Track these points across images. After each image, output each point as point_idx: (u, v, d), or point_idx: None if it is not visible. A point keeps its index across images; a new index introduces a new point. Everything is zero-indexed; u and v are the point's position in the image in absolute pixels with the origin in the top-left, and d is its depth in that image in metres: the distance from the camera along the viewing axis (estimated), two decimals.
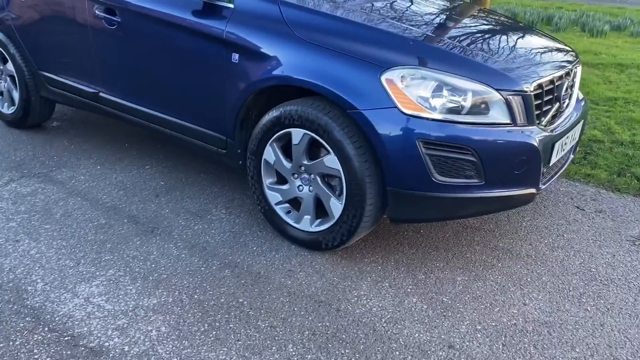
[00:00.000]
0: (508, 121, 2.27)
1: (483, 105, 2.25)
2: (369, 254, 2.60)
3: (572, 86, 2.77)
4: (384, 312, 2.21)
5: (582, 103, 2.94)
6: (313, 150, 2.48)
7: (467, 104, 2.23)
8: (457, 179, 2.26)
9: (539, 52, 2.66)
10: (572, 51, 2.95)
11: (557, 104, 2.55)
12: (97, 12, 3.09)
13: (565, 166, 2.84)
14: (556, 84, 2.51)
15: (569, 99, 2.78)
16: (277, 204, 2.66)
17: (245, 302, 2.24)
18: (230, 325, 2.11)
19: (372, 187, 2.32)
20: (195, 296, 2.27)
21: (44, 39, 3.53)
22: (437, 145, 2.20)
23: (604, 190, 3.41)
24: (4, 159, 3.51)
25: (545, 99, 2.45)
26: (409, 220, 2.58)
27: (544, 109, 2.45)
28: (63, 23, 3.36)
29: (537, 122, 2.40)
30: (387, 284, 2.39)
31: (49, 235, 2.67)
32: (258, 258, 2.54)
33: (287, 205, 2.66)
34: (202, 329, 2.08)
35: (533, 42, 2.82)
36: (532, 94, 2.31)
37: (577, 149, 3.05)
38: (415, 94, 2.22)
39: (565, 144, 2.63)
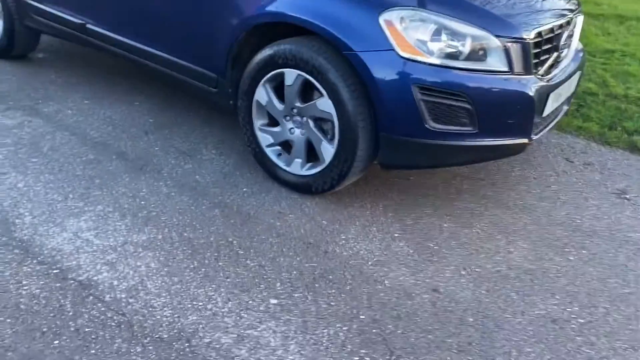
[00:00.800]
0: (505, 69, 2.24)
1: (481, 52, 2.21)
2: (358, 199, 2.61)
3: (571, 36, 2.73)
4: (371, 255, 2.25)
5: (581, 54, 2.89)
6: (306, 92, 2.44)
7: (466, 49, 2.19)
8: (451, 126, 2.24)
9: (543, 1, 2.59)
10: (576, 2, 2.88)
11: (556, 53, 2.51)
12: None
13: (559, 117, 2.83)
14: (556, 32, 2.46)
15: (568, 49, 2.73)
16: (268, 146, 2.63)
17: (234, 242, 2.25)
18: (220, 264, 2.13)
19: (364, 133, 2.30)
20: (185, 234, 2.28)
21: None
22: (433, 91, 2.17)
23: (594, 144, 3.42)
24: None
25: (544, 47, 2.41)
26: (400, 167, 2.58)
27: (542, 58, 2.41)
28: None
29: (535, 71, 2.36)
30: (375, 229, 2.41)
31: (37, 169, 2.64)
32: (248, 199, 2.54)
33: (278, 147, 2.63)
34: (192, 266, 2.10)
35: None
36: (531, 42, 2.27)
37: (572, 99, 3.03)
38: (414, 36, 2.16)
39: (560, 94, 2.61)
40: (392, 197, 2.66)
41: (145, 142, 2.97)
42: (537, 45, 2.34)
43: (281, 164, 2.61)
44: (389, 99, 2.20)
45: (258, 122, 2.63)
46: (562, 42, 2.51)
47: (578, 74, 2.81)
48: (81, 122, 3.12)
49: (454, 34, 2.17)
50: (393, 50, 2.15)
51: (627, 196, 2.85)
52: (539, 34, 2.34)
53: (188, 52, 2.78)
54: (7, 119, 3.08)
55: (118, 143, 2.93)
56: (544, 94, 2.39)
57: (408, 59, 2.15)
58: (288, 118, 2.52)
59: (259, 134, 2.64)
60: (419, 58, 2.16)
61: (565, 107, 2.92)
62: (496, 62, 2.22)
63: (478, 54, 2.20)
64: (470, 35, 2.17)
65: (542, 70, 2.42)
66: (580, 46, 2.99)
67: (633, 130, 3.54)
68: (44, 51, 4.12)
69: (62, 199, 2.44)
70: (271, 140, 2.62)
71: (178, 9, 2.71)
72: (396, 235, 2.39)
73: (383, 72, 2.17)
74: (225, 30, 2.54)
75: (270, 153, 2.64)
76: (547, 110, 2.50)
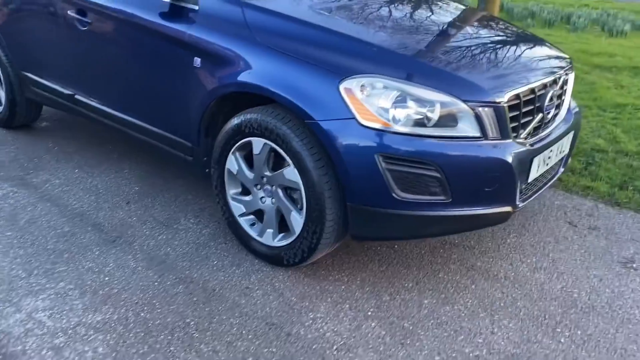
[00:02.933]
0: (478, 134, 2.10)
1: (450, 118, 2.08)
2: (335, 271, 2.46)
3: (561, 95, 2.58)
4: (338, 337, 2.07)
5: (574, 113, 2.73)
6: (278, 160, 2.35)
7: (433, 116, 2.07)
8: (421, 195, 2.09)
9: (523, 59, 2.47)
10: (565, 57, 2.74)
11: (540, 115, 2.36)
12: (69, 12, 3.01)
13: (553, 181, 2.64)
14: (538, 93, 2.32)
15: (558, 109, 2.58)
16: (240, 215, 2.54)
17: (192, 323, 2.12)
18: (171, 348, 1.99)
19: (332, 203, 2.17)
20: (142, 314, 2.16)
21: (25, 39, 3.48)
22: (398, 160, 2.04)
23: (602, 205, 3.19)
24: None
25: (525, 109, 2.27)
26: (371, 238, 2.43)
27: (523, 120, 2.27)
28: (41, 23, 3.30)
29: (514, 135, 2.21)
30: (347, 306, 2.24)
31: (8, 243, 2.60)
32: (217, 273, 2.42)
33: (251, 217, 2.53)
34: (141, 351, 1.97)
35: (520, 48, 2.62)
36: (505, 105, 2.13)
37: (569, 161, 2.84)
38: (376, 104, 2.06)
39: (549, 157, 2.43)
40: (373, 268, 2.50)
41: (125, 212, 2.92)
42: (515, 107, 2.20)
43: (254, 234, 2.50)
44: (353, 169, 2.08)
45: (231, 191, 2.54)
46: (546, 103, 2.36)
47: (571, 134, 2.64)
48: (66, 192, 3.10)
49: (419, 101, 2.06)
50: (354, 118, 2.05)
51: (635, 265, 2.60)
52: (517, 96, 2.21)
53: (164, 121, 2.76)
54: None
55: (97, 214, 2.89)
56: (526, 158, 2.23)
57: (370, 128, 2.04)
58: (259, 187, 2.43)
59: (232, 202, 2.55)
60: (382, 127, 2.04)
61: (560, 170, 2.74)
62: (467, 127, 2.09)
63: (447, 120, 2.08)
64: (436, 101, 2.05)
65: (524, 133, 2.27)
66: (574, 105, 2.83)
67: None
68: (48, 120, 4.21)
69: (25, 275, 2.37)
70: (243, 210, 2.52)
71: (153, 80, 2.71)
72: (369, 313, 2.21)
73: (345, 142, 2.06)
74: (197, 100, 2.50)
75: (243, 223, 2.53)
76: (533, 175, 2.32)
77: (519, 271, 2.51)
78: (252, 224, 2.53)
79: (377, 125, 2.05)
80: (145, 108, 2.84)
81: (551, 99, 2.40)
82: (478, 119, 2.08)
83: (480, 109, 2.08)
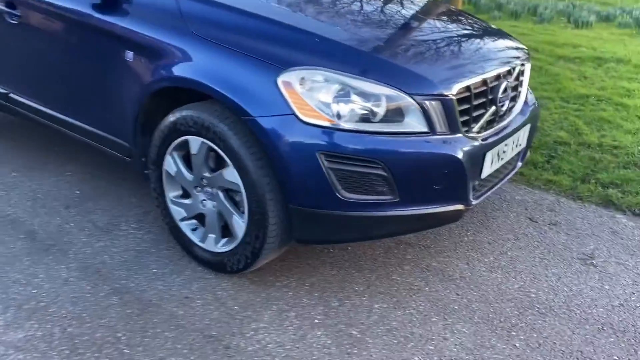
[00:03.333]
0: (425, 130, 1.98)
1: (396, 113, 1.96)
2: (284, 276, 2.32)
3: (516, 87, 2.48)
4: (280, 349, 1.93)
5: (531, 105, 2.63)
6: (218, 161, 2.20)
7: (379, 110, 1.94)
8: (367, 195, 1.97)
9: (476, 50, 2.35)
10: (521, 48, 2.64)
11: (493, 107, 2.25)
12: None
13: (510, 175, 2.54)
14: (490, 85, 2.21)
15: (514, 101, 2.48)
16: (181, 220, 2.38)
17: (123, 338, 1.96)
18: None
19: (274, 205, 2.03)
20: (70, 329, 1.99)
21: None
22: (341, 159, 1.91)
23: (564, 199, 3.11)
24: None
25: (477, 102, 2.15)
26: (317, 242, 2.30)
27: (475, 114, 2.15)
28: None
29: (466, 129, 2.10)
30: (293, 314, 2.11)
31: None
32: (155, 282, 2.26)
33: (193, 221, 2.37)
34: None
35: (475, 40, 2.50)
36: (454, 98, 2.01)
37: (527, 155, 2.75)
38: (317, 99, 1.92)
39: (504, 152, 2.33)
40: (323, 272, 2.37)
41: (63, 217, 2.73)
42: (465, 100, 2.09)
43: (196, 240, 2.34)
44: (294, 169, 1.94)
45: (170, 194, 2.38)
46: (500, 95, 2.25)
47: (528, 127, 2.54)
48: (1, 198, 2.89)
49: (363, 95, 1.93)
50: (294, 114, 1.91)
51: (594, 261, 2.52)
52: (467, 89, 2.09)
53: (100, 120, 2.58)
54: None
55: (32, 220, 2.69)
56: (478, 153, 2.12)
57: (310, 124, 1.91)
58: (199, 189, 2.27)
59: (172, 206, 2.39)
60: (323, 123, 1.91)
61: (518, 164, 2.64)
62: (414, 122, 1.97)
63: (392, 115, 1.95)
64: (380, 95, 1.93)
65: (476, 127, 2.16)
66: (532, 97, 2.73)
67: (608, 183, 3.23)
68: None
69: None
70: (184, 214, 2.36)
71: (87, 77, 2.53)
72: (316, 321, 2.08)
73: (284, 140, 1.92)
74: (129, 97, 2.34)
75: (185, 227, 2.38)
76: (487, 170, 2.22)
77: (476, 271, 2.41)
78: (194, 229, 2.37)
79: (319, 122, 1.91)
80: (81, 106, 2.66)
81: (505, 90, 2.30)
82: (425, 113, 1.96)
83: (427, 102, 1.96)
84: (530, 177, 3.33)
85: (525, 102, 2.59)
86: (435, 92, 1.97)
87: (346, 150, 1.90)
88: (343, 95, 1.93)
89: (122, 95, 2.37)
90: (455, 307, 2.17)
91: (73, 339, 1.94)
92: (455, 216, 2.15)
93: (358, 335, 2.01)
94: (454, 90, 2.01)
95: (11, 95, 3.03)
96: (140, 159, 2.48)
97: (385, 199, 1.98)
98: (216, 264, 2.29)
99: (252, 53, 2.00)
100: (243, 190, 2.07)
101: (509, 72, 2.37)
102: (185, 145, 2.23)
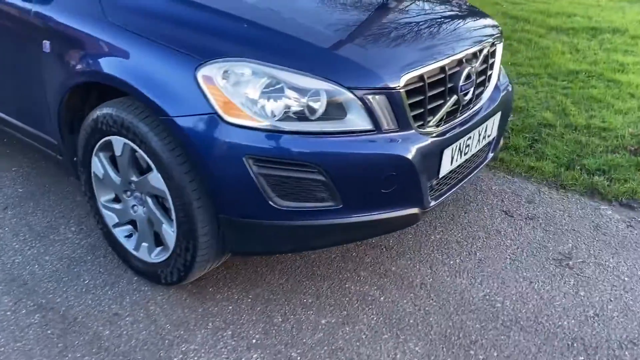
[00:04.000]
0: (369, 127, 1.74)
1: (336, 109, 1.72)
2: (226, 287, 2.12)
3: (485, 70, 2.22)
4: None
5: (504, 89, 2.37)
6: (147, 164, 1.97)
7: (316, 107, 1.70)
8: (305, 202, 1.74)
9: (434, 33, 2.08)
10: (492, 26, 2.37)
11: (454, 97, 2.00)
12: None
13: (478, 170, 2.30)
14: (449, 72, 1.95)
15: (483, 86, 2.23)
16: (114, 225, 2.17)
17: None
18: None
19: (204, 214, 1.81)
20: None
21: None
22: (272, 163, 1.68)
23: (545, 188, 2.88)
24: None
25: (433, 92, 1.90)
26: (254, 254, 2.09)
27: (431, 105, 1.91)
28: None
29: (420, 123, 1.86)
30: (229, 333, 1.91)
31: None
32: (85, 296, 2.07)
33: (128, 227, 2.16)
34: None
35: (435, 21, 2.22)
36: (401, 90, 1.76)
37: (500, 145, 2.51)
38: (243, 95, 1.68)
39: (468, 146, 2.09)
40: (271, 281, 2.16)
41: None
42: (417, 92, 1.84)
43: (130, 248, 2.14)
44: (219, 175, 1.72)
45: (102, 198, 2.16)
46: (461, 83, 2.00)
47: (498, 115, 2.29)
48: None
49: (296, 90, 1.69)
50: (215, 113, 1.67)
51: (571, 262, 2.30)
52: (420, 78, 1.84)
53: (27, 115, 2.36)
54: None
55: None
56: (433, 151, 1.88)
57: (235, 125, 1.67)
58: (128, 193, 2.06)
59: (104, 211, 2.17)
60: (250, 123, 1.67)
61: (489, 155, 2.40)
62: (355, 119, 1.73)
63: (332, 112, 1.71)
64: (314, 89, 1.68)
65: (433, 120, 1.92)
66: (505, 79, 2.47)
67: (594, 169, 2.99)
68: None
69: None
70: (116, 219, 2.15)
71: (8, 69, 2.29)
72: (254, 341, 1.88)
73: (206, 142, 1.69)
74: (50, 92, 2.11)
75: (118, 234, 2.17)
76: (446, 168, 1.98)
77: (438, 276, 2.19)
78: (129, 236, 2.16)
79: (244, 122, 1.67)
80: (8, 100, 2.43)
81: (469, 77, 2.04)
82: (368, 109, 1.72)
83: (369, 97, 1.71)
84: (510, 164, 3.09)
85: (496, 87, 2.33)
86: (378, 85, 1.72)
87: (277, 154, 1.67)
88: (274, 90, 1.69)
89: (45, 89, 2.14)
90: (411, 321, 1.96)
91: None
92: (409, 221, 1.93)
93: (298, 358, 1.81)
94: (400, 82, 1.76)
95: None
96: (72, 158, 2.26)
97: (327, 206, 1.76)
98: (150, 275, 2.09)
99: (171, 43, 1.75)
100: (169, 197, 1.85)
101: (475, 55, 2.11)
102: (110, 146, 2.00)
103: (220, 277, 2.16)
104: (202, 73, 1.68)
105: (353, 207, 1.78)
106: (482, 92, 2.24)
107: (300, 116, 1.70)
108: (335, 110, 1.72)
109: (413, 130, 1.82)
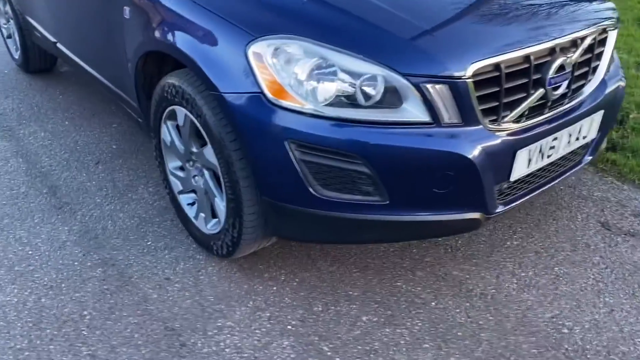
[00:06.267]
0: (426, 119, 1.57)
1: (389, 97, 1.57)
2: (275, 267, 2.09)
3: (589, 61, 1.91)
4: (236, 356, 1.73)
5: (612, 84, 2.04)
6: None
7: (372, 92, 1.56)
8: (349, 194, 1.64)
9: (520, 14, 1.80)
10: (603, 9, 2.01)
11: (541, 90, 1.74)
12: None
13: (569, 174, 2.02)
14: (535, 62, 1.70)
15: (584, 80, 1.93)
16: (179, 192, 2.22)
17: (87, 316, 1.88)
18: (51, 347, 1.77)
19: (250, 194, 1.78)
20: (43, 299, 1.96)
21: None
22: (314, 150, 1.59)
23: None
24: None
25: (511, 84, 1.67)
26: (295, 239, 2.01)
27: (509, 99, 1.68)
28: None
29: (492, 118, 1.65)
30: (267, 315, 1.88)
31: None
32: (143, 257, 2.16)
33: (192, 195, 2.20)
34: (18, 347, 1.78)
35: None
36: (468, 80, 1.56)
37: (601, 147, 2.17)
38: (291, 74, 1.59)
39: (553, 148, 1.83)
40: (321, 267, 2.09)
41: (89, 174, 2.72)
42: (489, 82, 1.62)
43: (191, 216, 2.18)
44: (261, 157, 1.66)
45: (170, 164, 2.22)
46: (550, 75, 1.73)
47: (599, 114, 1.97)
48: (44, 148, 2.96)
49: (351, 73, 1.56)
50: (262, 93, 1.61)
51: None
52: (496, 67, 1.62)
53: (114, 77, 2.47)
54: None
55: (60, 174, 2.72)
56: (504, 151, 1.66)
57: (279, 107, 1.59)
58: (191, 163, 2.08)
59: (170, 177, 2.23)
60: (294, 105, 1.58)
61: (586, 158, 2.10)
62: (412, 110, 1.56)
63: (383, 100, 1.57)
64: (368, 74, 1.54)
65: (509, 116, 1.69)
66: (616, 71, 2.12)
67: None
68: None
69: None
70: (180, 187, 2.20)
71: (99, 33, 2.41)
72: (290, 327, 1.84)
73: (251, 122, 1.64)
74: (129, 56, 2.17)
75: (182, 200, 2.22)
76: (520, 171, 1.75)
77: (503, 288, 1.98)
78: (192, 204, 2.21)
79: (290, 104, 1.59)
80: (100, 62, 2.57)
81: (562, 68, 1.76)
82: (425, 98, 1.54)
83: (428, 85, 1.54)
84: (623, 168, 2.70)
85: (602, 81, 2.01)
86: (440, 73, 1.54)
87: (320, 141, 1.57)
88: (325, 73, 1.58)
89: (124, 53, 2.21)
90: (459, 334, 1.79)
91: (41, 312, 1.90)
92: (470, 226, 1.74)
93: (328, 353, 1.74)
94: (468, 71, 1.55)
95: (58, 45, 3.04)
96: (149, 122, 2.34)
97: (372, 201, 1.63)
98: (205, 245, 2.12)
99: (228, 16, 1.70)
100: (220, 173, 1.84)
101: (574, 44, 1.82)
102: (175, 115, 2.03)
103: (272, 256, 2.14)
104: (253, 50, 1.62)
105: (401, 205, 1.64)
106: (582, 86, 1.94)
107: (353, 102, 1.58)
108: (391, 98, 1.57)
109: (481, 126, 1.62)
